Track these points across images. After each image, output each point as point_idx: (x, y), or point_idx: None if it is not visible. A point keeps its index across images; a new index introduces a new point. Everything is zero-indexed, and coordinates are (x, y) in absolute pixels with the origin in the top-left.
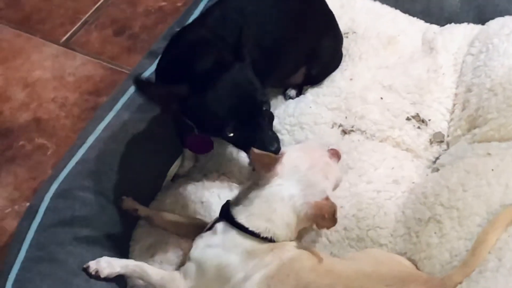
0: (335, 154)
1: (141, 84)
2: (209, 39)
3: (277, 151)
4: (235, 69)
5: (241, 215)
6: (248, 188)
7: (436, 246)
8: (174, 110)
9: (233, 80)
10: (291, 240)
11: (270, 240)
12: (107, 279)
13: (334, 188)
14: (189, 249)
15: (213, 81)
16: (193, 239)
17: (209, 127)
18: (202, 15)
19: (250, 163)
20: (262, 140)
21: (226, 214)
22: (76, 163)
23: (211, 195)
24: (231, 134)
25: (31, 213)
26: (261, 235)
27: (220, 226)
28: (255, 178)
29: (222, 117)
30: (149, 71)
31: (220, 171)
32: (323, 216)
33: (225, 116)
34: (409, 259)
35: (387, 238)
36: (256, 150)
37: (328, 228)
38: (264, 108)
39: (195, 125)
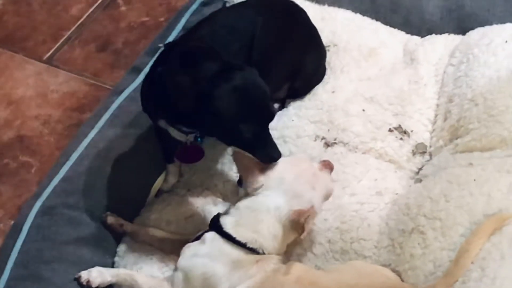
0: (327, 165)
1: (168, 72)
2: (205, 48)
3: (278, 157)
4: (249, 70)
5: (229, 225)
6: (238, 199)
7: (419, 257)
8: (186, 105)
9: (250, 81)
10: (279, 254)
11: (257, 251)
12: None
13: (325, 198)
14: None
15: (231, 79)
16: (178, 255)
17: (222, 127)
18: (189, 31)
19: (238, 181)
20: (268, 145)
21: (215, 225)
22: (60, 181)
23: (195, 210)
24: (248, 135)
25: (15, 231)
26: (248, 245)
27: (208, 235)
28: (243, 186)
29: (239, 118)
30: (132, 87)
31: (204, 186)
32: (299, 222)
33: (242, 118)
34: (393, 270)
35: (371, 250)
36: (238, 150)
37: (300, 235)
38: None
39: (202, 127)
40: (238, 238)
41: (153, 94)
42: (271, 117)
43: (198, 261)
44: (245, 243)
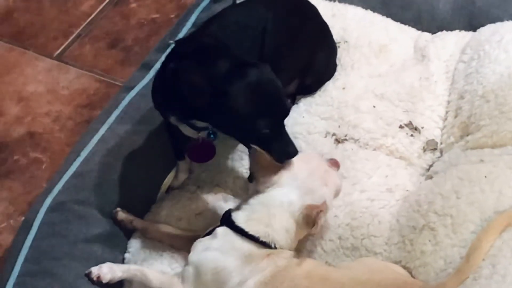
0: (334, 164)
1: (183, 68)
2: (218, 45)
3: (296, 154)
4: (263, 67)
5: (241, 220)
6: (249, 195)
7: (430, 253)
8: (201, 101)
9: (265, 78)
10: (290, 249)
11: (269, 245)
12: (109, 285)
13: (335, 195)
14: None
15: (245, 75)
16: (188, 251)
17: (239, 123)
18: (200, 28)
19: (249, 177)
20: (284, 142)
21: (227, 220)
22: (70, 177)
23: (205, 207)
24: (265, 131)
25: (26, 227)
26: (260, 239)
27: (220, 230)
28: (255, 184)
29: (256, 114)
30: (143, 84)
31: (214, 182)
32: (311, 217)
33: (258, 114)
34: (404, 267)
35: (381, 247)
36: (256, 149)
37: (311, 232)
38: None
39: (217, 122)
40: (251, 232)
41: (165, 91)
42: (286, 112)
43: (209, 255)
44: (258, 237)
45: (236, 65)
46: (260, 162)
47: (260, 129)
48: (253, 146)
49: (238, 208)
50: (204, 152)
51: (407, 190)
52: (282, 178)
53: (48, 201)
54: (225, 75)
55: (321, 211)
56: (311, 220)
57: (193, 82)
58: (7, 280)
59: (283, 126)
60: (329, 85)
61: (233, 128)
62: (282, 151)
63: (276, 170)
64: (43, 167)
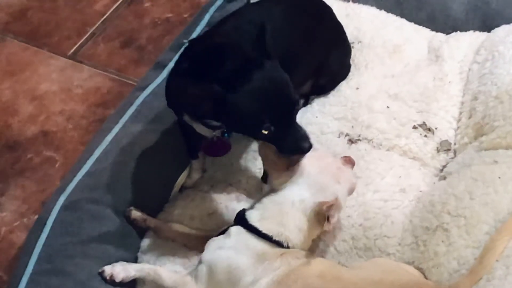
0: (349, 161)
1: (178, 84)
2: (228, 43)
3: (309, 148)
4: (268, 66)
5: (255, 218)
6: (262, 194)
7: (443, 254)
8: (205, 110)
9: (268, 77)
10: (303, 249)
11: (282, 244)
12: (121, 284)
13: (349, 193)
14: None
15: (247, 78)
16: (201, 251)
17: (244, 125)
18: (215, 26)
19: (262, 177)
20: (295, 137)
21: (240, 219)
22: (84, 176)
23: (218, 206)
24: (266, 132)
25: (39, 225)
26: (273, 238)
27: (234, 229)
28: (269, 183)
29: (259, 115)
30: (156, 83)
31: (227, 182)
32: (323, 213)
33: (262, 115)
34: (417, 268)
35: (394, 247)
36: (264, 144)
37: (323, 228)
38: (297, 106)
39: (226, 124)
40: (264, 231)
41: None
42: (292, 106)
43: (223, 253)
44: (271, 236)
45: (242, 67)
46: (269, 158)
47: (266, 128)
48: (260, 142)
49: (251, 207)
50: (218, 148)
51: (420, 191)
52: (293, 176)
53: (61, 199)
54: (229, 79)
55: (332, 205)
56: (322, 217)
57: (193, 95)
58: (20, 278)
59: (292, 121)
60: (342, 85)
61: (241, 129)
62: (292, 147)
63: (287, 166)
64: (57, 165)
